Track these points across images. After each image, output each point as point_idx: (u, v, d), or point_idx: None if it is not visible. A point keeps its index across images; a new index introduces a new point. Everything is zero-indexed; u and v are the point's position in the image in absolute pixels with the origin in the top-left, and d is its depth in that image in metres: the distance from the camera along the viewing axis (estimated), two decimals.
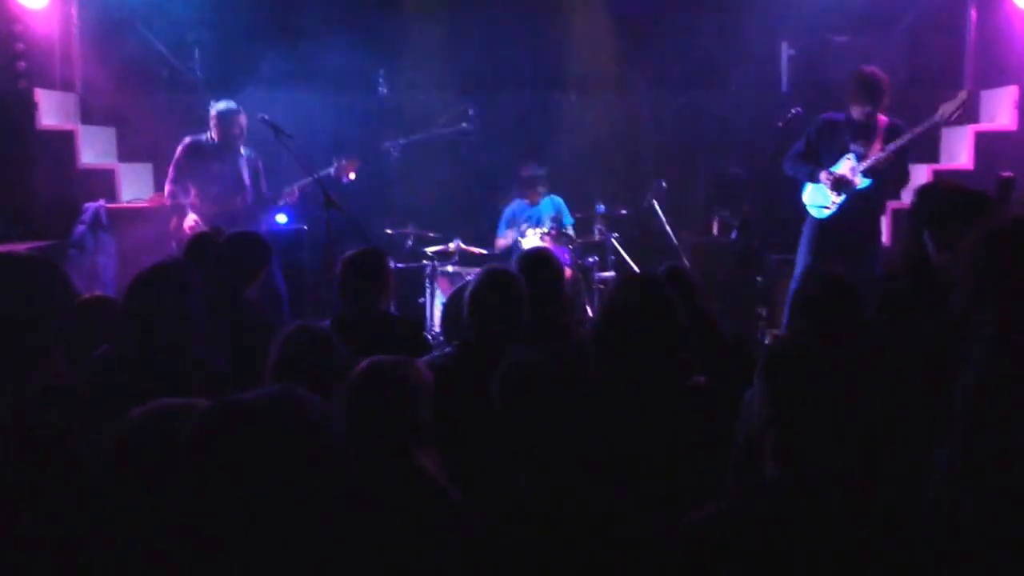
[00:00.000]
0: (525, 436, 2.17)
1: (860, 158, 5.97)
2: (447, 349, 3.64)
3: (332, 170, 6.63)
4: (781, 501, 2.06)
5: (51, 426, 2.29)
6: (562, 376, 2.22)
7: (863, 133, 6.02)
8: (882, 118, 6.02)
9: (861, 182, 5.95)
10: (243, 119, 6.66)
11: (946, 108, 5.80)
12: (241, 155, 6.70)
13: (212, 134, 6.67)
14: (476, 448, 2.81)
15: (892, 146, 5.83)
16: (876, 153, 5.92)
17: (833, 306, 3.33)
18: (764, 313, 7.04)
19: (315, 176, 6.33)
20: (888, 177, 6.02)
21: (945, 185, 5.15)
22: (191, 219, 6.55)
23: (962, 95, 5.90)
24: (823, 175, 6.04)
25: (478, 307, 3.50)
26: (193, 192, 6.64)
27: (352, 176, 6.71)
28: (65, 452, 2.25)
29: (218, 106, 6.68)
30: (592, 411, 2.20)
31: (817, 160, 6.16)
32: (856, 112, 6.01)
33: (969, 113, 6.26)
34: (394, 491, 2.45)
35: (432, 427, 2.65)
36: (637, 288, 3.06)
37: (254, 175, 6.74)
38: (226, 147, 6.65)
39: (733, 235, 7.02)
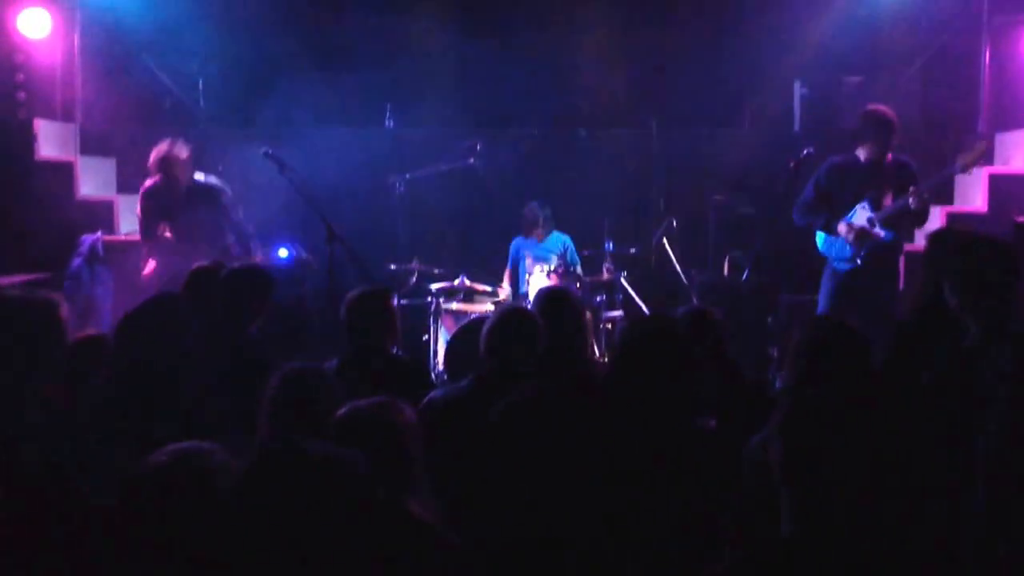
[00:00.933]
0: (519, 474, 2.07)
1: (875, 205, 5.86)
2: (462, 383, 3.58)
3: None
4: (795, 559, 2.00)
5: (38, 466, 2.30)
6: (561, 412, 2.14)
7: (873, 177, 5.91)
8: (889, 157, 5.91)
9: (883, 234, 5.83)
10: (183, 158, 6.25)
11: (964, 159, 5.73)
12: (200, 193, 6.32)
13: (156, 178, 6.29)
14: (484, 482, 2.76)
15: (912, 200, 5.68)
16: (890, 200, 5.81)
17: (841, 354, 3.21)
18: (776, 354, 6.90)
19: (322, 217, 5.98)
20: (906, 223, 5.94)
21: (961, 232, 5.06)
22: (150, 265, 6.23)
23: (980, 146, 5.84)
24: (842, 227, 5.91)
25: (494, 346, 3.51)
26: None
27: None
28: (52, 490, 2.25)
29: (160, 148, 6.30)
30: (591, 450, 2.11)
31: (829, 207, 6.04)
32: (863, 153, 5.92)
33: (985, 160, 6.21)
34: (384, 539, 2.31)
35: (422, 467, 2.57)
36: (651, 329, 3.03)
37: (221, 211, 6.34)
38: (177, 190, 6.26)
39: (744, 275, 6.91)
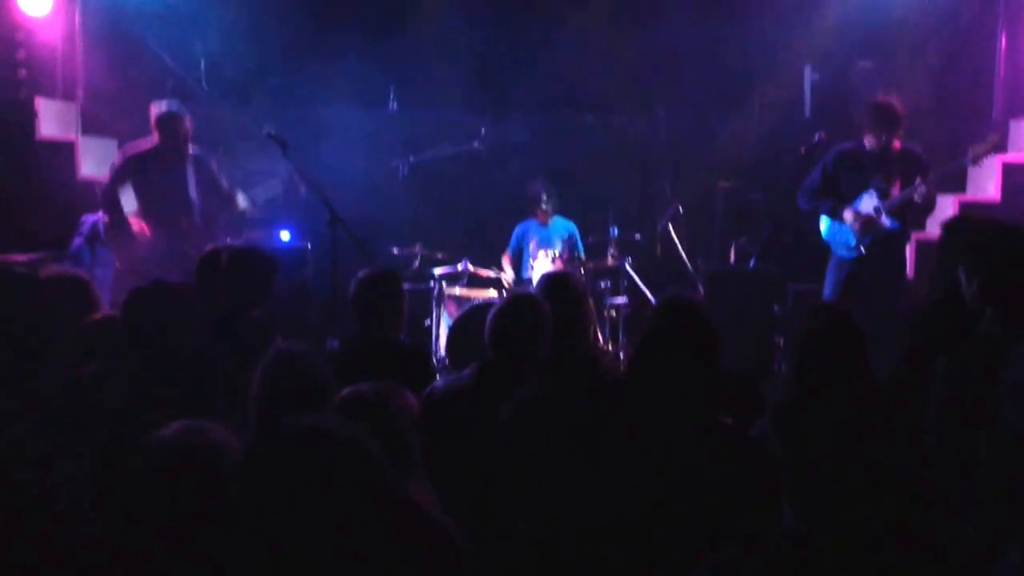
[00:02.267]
0: (532, 473, 1.99)
1: (881, 194, 5.77)
2: (465, 372, 3.50)
3: (280, 190, 6.21)
4: (798, 552, 1.98)
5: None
6: (581, 411, 2.05)
7: (881, 165, 5.84)
8: (896, 144, 5.81)
9: (889, 223, 5.74)
10: (187, 124, 6.06)
11: (976, 150, 5.66)
12: (188, 162, 6.10)
13: (154, 139, 6.07)
14: (487, 475, 2.73)
15: (920, 188, 5.59)
16: (897, 189, 5.73)
17: (839, 344, 3.14)
18: (782, 343, 6.81)
19: (324, 199, 5.78)
20: (913, 212, 5.85)
21: (978, 218, 5.00)
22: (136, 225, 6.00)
23: (993, 138, 5.74)
24: (848, 214, 5.83)
25: (499, 332, 3.41)
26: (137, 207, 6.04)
27: (302, 190, 6.19)
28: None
29: (158, 109, 6.08)
30: (608, 450, 2.03)
31: (836, 194, 5.95)
32: (870, 142, 5.82)
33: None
34: (380, 528, 2.26)
35: (420, 458, 2.54)
36: (683, 316, 2.90)
37: (205, 181, 6.14)
38: (169, 155, 6.06)
39: (751, 263, 6.82)
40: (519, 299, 3.54)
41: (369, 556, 1.70)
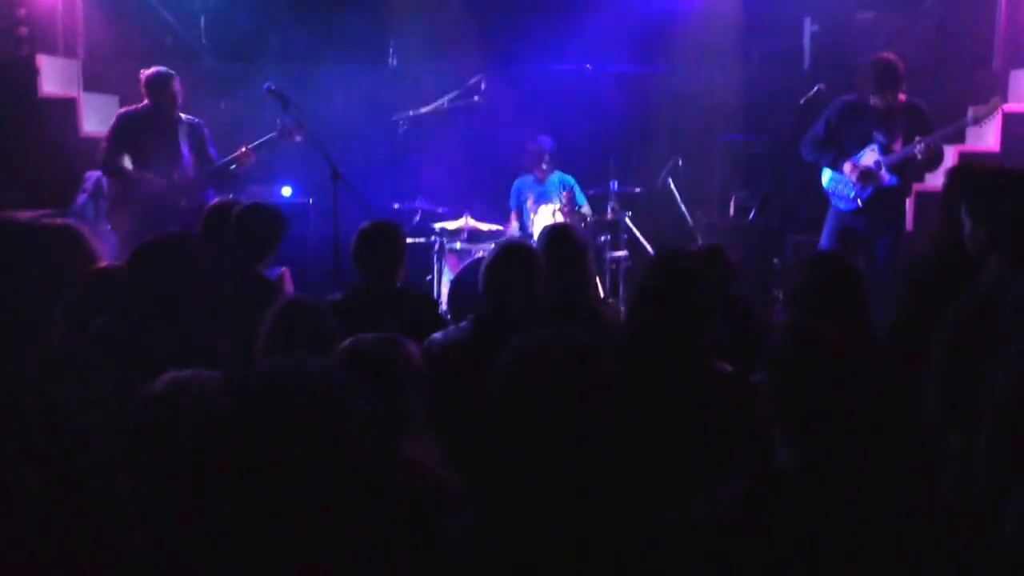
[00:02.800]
0: (529, 425, 2.00)
1: (884, 149, 5.79)
2: (462, 324, 3.52)
3: (275, 134, 6.12)
4: (791, 490, 2.03)
5: (48, 398, 2.26)
6: (577, 360, 2.06)
7: (885, 120, 5.83)
8: (901, 98, 5.81)
9: (888, 178, 5.76)
10: (176, 85, 6.14)
11: (977, 111, 5.66)
12: (180, 124, 6.20)
13: (144, 102, 6.17)
14: (485, 430, 2.65)
15: (919, 146, 5.61)
16: (900, 143, 5.74)
17: (839, 292, 3.23)
18: (781, 295, 6.86)
19: (325, 155, 5.82)
20: (914, 169, 5.88)
21: (981, 164, 5.01)
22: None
23: (995, 100, 5.74)
24: (847, 166, 5.85)
25: (494, 282, 3.43)
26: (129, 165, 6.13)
27: (298, 138, 6.06)
28: (62, 424, 2.22)
29: (147, 72, 6.18)
30: (609, 397, 2.05)
31: (839, 146, 5.96)
32: (875, 99, 5.80)
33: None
34: (380, 485, 2.29)
35: (421, 410, 2.53)
36: (674, 267, 2.91)
37: (196, 144, 6.23)
38: (160, 116, 6.14)
39: (751, 215, 6.85)
40: (509, 249, 3.54)
41: (340, 507, 1.67)
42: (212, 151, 6.28)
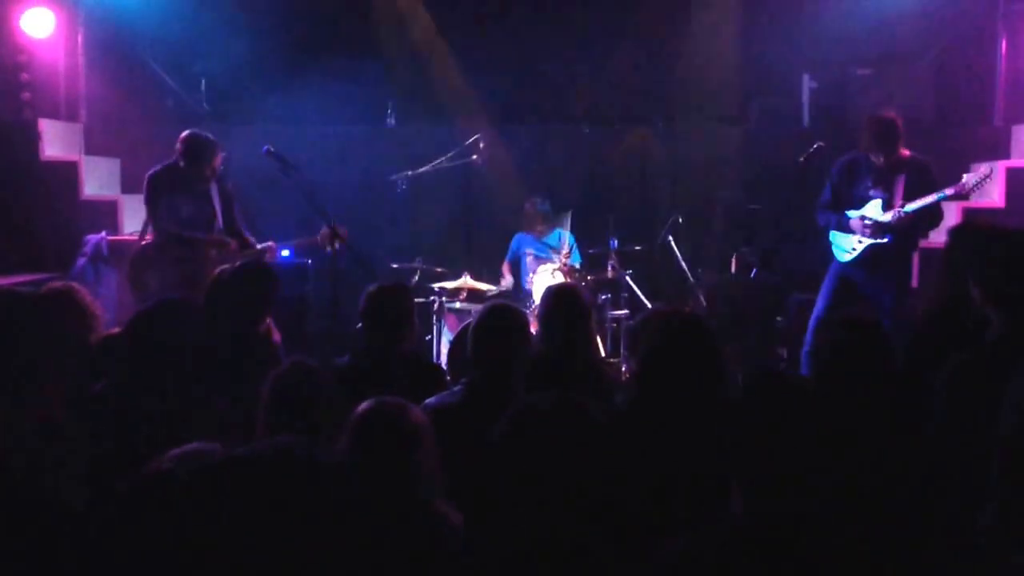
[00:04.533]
0: (530, 484, 1.98)
1: (885, 205, 5.73)
2: (455, 388, 3.48)
3: (317, 237, 6.05)
4: (742, 538, 1.97)
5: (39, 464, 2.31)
6: (578, 421, 2.05)
7: (884, 177, 5.78)
8: (905, 153, 5.77)
9: (886, 237, 5.71)
10: (219, 158, 6.06)
11: (970, 179, 5.60)
12: (212, 184, 6.09)
13: (180, 161, 6.02)
14: (479, 493, 2.61)
15: (914, 205, 5.58)
16: (899, 199, 5.68)
17: (861, 350, 3.10)
18: (785, 354, 6.78)
19: (324, 215, 5.78)
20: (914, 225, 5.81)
21: (984, 224, 4.94)
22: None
23: (984, 170, 5.67)
24: (855, 223, 5.79)
25: (480, 347, 3.39)
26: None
27: (338, 246, 5.80)
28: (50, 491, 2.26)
29: (191, 132, 6.05)
30: (608, 460, 2.03)
31: (845, 205, 5.92)
32: (874, 156, 5.77)
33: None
34: (418, 541, 2.30)
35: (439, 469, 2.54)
36: (682, 327, 2.92)
37: (226, 202, 6.14)
38: (195, 176, 6.02)
39: (753, 273, 6.79)
40: (494, 308, 3.50)
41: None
42: (237, 214, 6.19)
